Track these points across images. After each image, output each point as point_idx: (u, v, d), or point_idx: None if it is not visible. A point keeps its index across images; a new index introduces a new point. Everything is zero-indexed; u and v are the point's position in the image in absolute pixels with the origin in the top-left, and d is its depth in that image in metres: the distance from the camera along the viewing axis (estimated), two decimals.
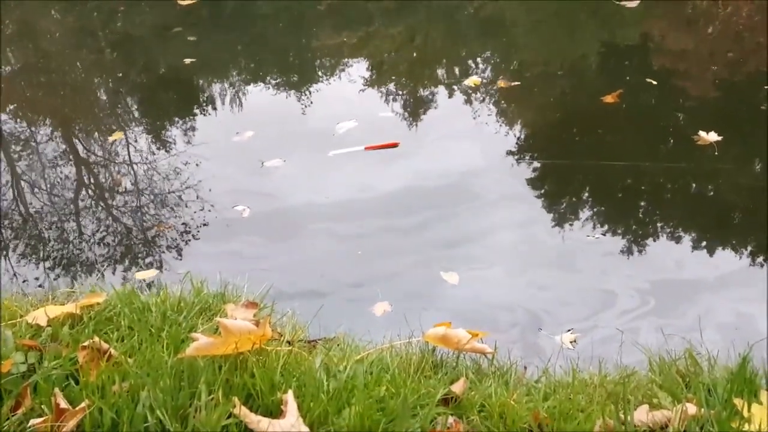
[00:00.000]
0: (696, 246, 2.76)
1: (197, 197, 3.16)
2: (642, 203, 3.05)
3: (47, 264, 2.77)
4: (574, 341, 2.17)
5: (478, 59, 4.95)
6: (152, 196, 3.21)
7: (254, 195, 3.12)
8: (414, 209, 2.97)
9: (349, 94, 4.31)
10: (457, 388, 1.49)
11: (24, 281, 2.64)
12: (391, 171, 3.29)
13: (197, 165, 3.43)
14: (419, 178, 3.22)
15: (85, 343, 1.51)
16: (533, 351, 2.06)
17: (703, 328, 2.15)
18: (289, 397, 1.34)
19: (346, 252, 2.75)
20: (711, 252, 2.72)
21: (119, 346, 1.59)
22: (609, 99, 3.78)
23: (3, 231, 2.97)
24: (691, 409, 1.37)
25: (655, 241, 2.80)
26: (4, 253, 2.83)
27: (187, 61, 4.74)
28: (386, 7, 6.08)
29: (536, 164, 3.36)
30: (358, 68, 4.77)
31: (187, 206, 3.11)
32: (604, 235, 2.79)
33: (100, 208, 3.18)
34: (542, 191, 3.17)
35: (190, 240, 2.88)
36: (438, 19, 5.75)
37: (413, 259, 2.68)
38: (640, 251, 2.72)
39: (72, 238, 2.92)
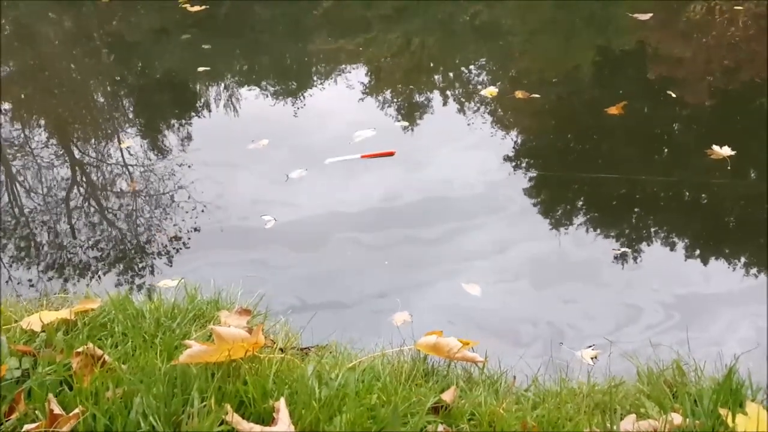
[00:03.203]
0: (721, 259, 2.76)
1: (219, 206, 3.16)
2: (664, 217, 3.03)
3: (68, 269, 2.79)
4: (595, 357, 2.15)
5: (494, 70, 4.94)
6: (173, 205, 3.21)
7: (278, 204, 3.10)
8: (437, 220, 2.96)
9: (365, 103, 4.33)
10: (448, 396, 1.51)
11: (44, 287, 2.65)
12: (413, 181, 3.28)
13: (217, 173, 3.43)
14: (442, 189, 3.21)
15: (79, 349, 1.52)
16: (555, 365, 1.98)
17: (725, 341, 2.18)
18: (281, 404, 1.35)
19: (368, 262, 2.75)
20: (736, 265, 2.71)
21: (113, 352, 1.60)
22: (614, 110, 3.79)
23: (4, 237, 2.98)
24: (677, 419, 1.39)
25: (680, 254, 2.79)
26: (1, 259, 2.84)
27: (201, 69, 4.77)
28: (404, 19, 6.11)
29: (559, 177, 3.35)
30: (372, 77, 4.78)
31: (210, 213, 3.11)
32: (628, 248, 2.77)
33: (119, 215, 3.19)
34: (566, 204, 3.16)
35: (212, 248, 2.87)
36: (450, 29, 5.78)
37: (435, 270, 2.66)
38: (665, 265, 2.71)
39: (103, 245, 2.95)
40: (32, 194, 3.37)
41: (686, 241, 2.86)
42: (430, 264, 2.70)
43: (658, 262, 2.73)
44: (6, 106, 4.42)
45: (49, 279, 2.70)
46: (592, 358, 2.14)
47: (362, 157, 3.46)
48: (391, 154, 3.49)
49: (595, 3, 6.06)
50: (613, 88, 4.31)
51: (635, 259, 2.74)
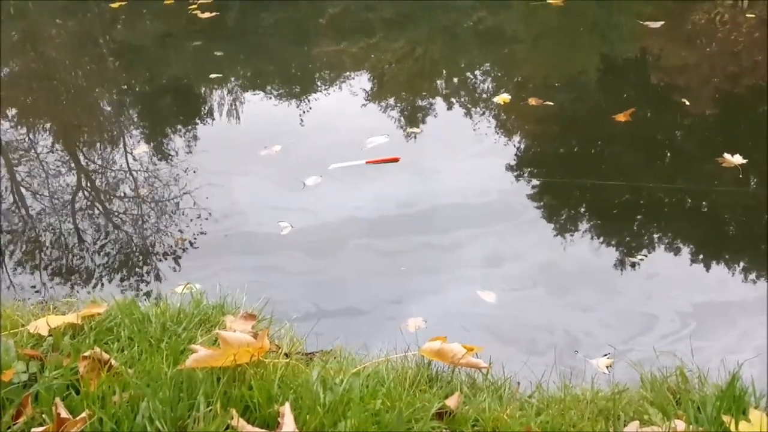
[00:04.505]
0: (734, 267, 2.73)
1: (235, 212, 3.16)
2: (680, 225, 3.00)
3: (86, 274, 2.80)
4: (610, 366, 2.13)
5: (506, 77, 4.93)
6: (188, 211, 3.20)
7: (293, 210, 3.09)
8: (451, 226, 2.94)
9: (376, 110, 4.33)
10: (452, 402, 1.52)
11: (57, 290, 2.65)
12: (427, 188, 3.27)
13: (230, 180, 3.43)
14: (456, 196, 3.20)
15: (86, 353, 1.53)
16: (559, 371, 1.93)
17: (741, 350, 2.15)
18: (286, 409, 1.36)
19: (382, 268, 2.73)
20: (750, 273, 2.69)
21: (119, 356, 1.61)
22: (621, 117, 3.77)
23: (6, 239, 3.00)
24: (680, 425, 1.39)
25: (696, 263, 2.77)
26: (5, 261, 2.86)
27: (213, 76, 4.80)
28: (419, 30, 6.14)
29: (574, 184, 3.32)
30: (383, 84, 4.78)
31: (223, 220, 3.09)
32: (645, 256, 2.75)
33: (137, 222, 3.20)
34: (582, 211, 3.15)
35: (229, 255, 2.86)
36: (463, 37, 5.79)
37: (450, 276, 2.65)
38: (680, 273, 2.69)
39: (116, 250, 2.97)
40: (44, 198, 3.40)
41: (702, 249, 2.84)
42: (444, 270, 2.69)
43: (674, 271, 2.71)
44: (13, 111, 4.45)
45: (56, 284, 2.71)
46: (607, 367, 2.13)
47: (367, 162, 3.47)
48: (395, 160, 3.50)
49: (603, 11, 6.07)
50: (629, 94, 4.31)
51: (651, 267, 2.71)
